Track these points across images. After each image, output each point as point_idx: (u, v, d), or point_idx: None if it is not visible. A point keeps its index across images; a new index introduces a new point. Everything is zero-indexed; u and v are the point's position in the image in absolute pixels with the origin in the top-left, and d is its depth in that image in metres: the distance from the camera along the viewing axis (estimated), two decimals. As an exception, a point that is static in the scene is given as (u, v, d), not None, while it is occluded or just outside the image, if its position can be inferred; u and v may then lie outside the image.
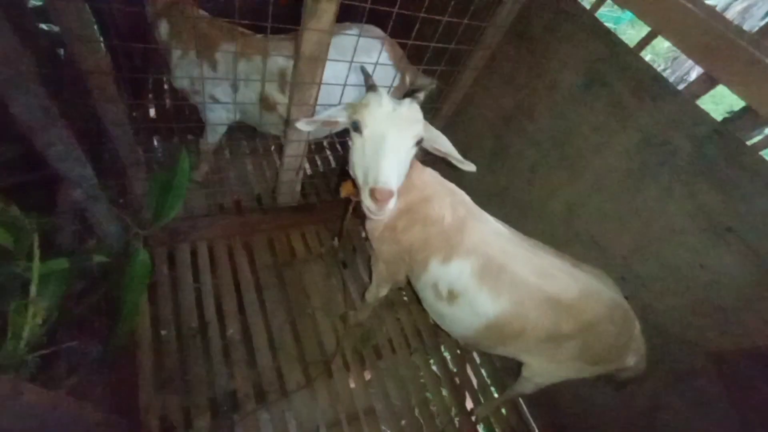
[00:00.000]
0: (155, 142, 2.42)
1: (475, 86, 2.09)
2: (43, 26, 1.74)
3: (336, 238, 2.37)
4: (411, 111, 1.19)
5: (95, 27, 1.92)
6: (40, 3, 1.82)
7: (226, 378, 1.73)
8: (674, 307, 1.45)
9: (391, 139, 1.13)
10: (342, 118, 1.25)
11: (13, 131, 1.12)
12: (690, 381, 1.44)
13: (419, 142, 1.22)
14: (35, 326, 0.88)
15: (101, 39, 2.03)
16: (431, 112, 2.20)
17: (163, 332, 1.73)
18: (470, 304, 1.35)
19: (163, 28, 1.74)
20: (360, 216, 1.49)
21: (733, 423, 1.33)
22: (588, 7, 1.66)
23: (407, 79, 2.00)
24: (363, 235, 2.43)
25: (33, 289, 0.88)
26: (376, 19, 1.85)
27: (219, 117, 1.94)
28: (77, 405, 0.85)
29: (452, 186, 1.45)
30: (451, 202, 1.38)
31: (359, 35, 1.56)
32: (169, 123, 2.36)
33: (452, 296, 1.38)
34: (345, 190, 1.45)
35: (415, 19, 1.49)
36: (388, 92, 1.83)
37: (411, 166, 1.33)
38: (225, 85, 1.79)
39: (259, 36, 1.82)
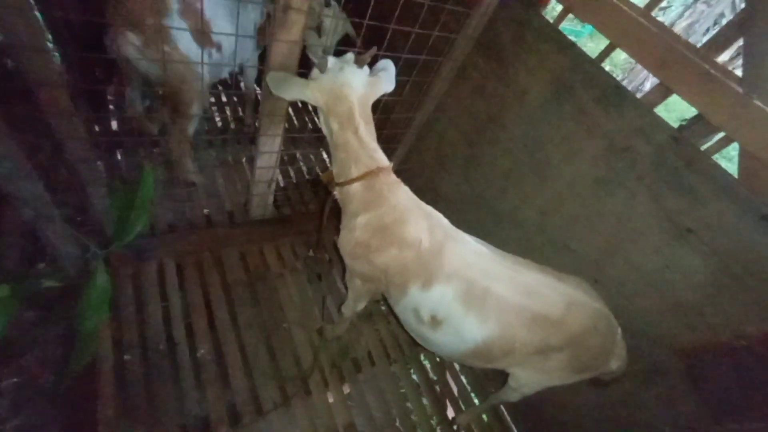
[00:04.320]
0: (118, 156, 2.30)
1: (447, 96, 2.12)
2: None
3: (311, 250, 2.33)
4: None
5: (46, 36, 1.82)
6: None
7: (197, 402, 1.64)
8: (644, 308, 1.50)
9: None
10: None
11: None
12: (662, 379, 1.49)
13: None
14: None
15: (54, 49, 1.93)
16: (405, 122, 2.22)
17: (126, 357, 1.62)
18: (456, 330, 1.32)
19: None
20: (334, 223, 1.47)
21: (704, 417, 1.38)
22: (551, 20, 1.72)
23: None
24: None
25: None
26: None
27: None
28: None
29: (429, 208, 1.41)
30: (428, 225, 1.34)
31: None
32: (132, 136, 2.25)
33: (435, 322, 1.34)
34: (326, 177, 1.44)
35: (386, 30, 1.50)
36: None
37: (379, 176, 1.30)
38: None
39: None
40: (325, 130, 1.34)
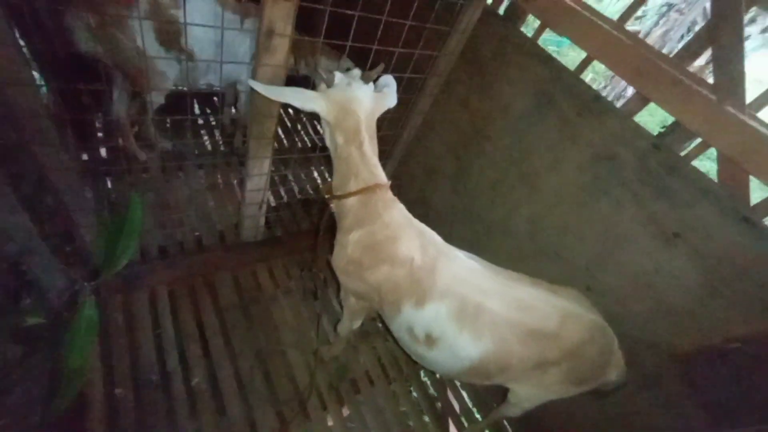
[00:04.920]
0: (108, 184, 2.28)
1: (433, 111, 2.16)
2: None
3: (306, 268, 2.31)
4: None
5: (31, 66, 1.83)
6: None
7: (191, 433, 1.59)
8: (638, 313, 1.50)
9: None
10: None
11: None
12: (659, 384, 1.48)
13: None
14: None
15: (40, 78, 1.94)
16: (393, 139, 2.24)
17: (117, 391, 1.58)
18: (451, 348, 1.31)
19: None
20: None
21: (702, 422, 1.37)
22: (530, 34, 1.78)
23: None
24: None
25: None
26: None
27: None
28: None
29: (422, 226, 1.41)
30: (420, 243, 1.33)
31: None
32: (121, 163, 2.25)
33: (430, 340, 1.33)
34: (325, 189, 1.44)
35: (369, 50, 1.54)
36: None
37: (377, 192, 1.30)
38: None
39: None
40: (328, 143, 1.35)
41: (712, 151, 1.40)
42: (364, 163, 1.29)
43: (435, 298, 1.29)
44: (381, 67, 1.34)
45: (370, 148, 1.30)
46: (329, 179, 1.43)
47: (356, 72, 1.34)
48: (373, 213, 1.31)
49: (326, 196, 1.42)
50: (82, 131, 2.33)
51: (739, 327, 1.24)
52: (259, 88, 1.24)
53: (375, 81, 1.40)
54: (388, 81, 1.43)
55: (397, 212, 1.36)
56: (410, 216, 1.40)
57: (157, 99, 2.03)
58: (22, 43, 1.70)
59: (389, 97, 1.38)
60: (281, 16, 1.28)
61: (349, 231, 1.37)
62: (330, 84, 1.27)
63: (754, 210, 1.22)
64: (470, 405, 2.14)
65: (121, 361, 1.67)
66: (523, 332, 1.27)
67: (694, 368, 1.37)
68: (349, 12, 1.36)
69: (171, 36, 1.81)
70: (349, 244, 1.36)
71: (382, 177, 1.34)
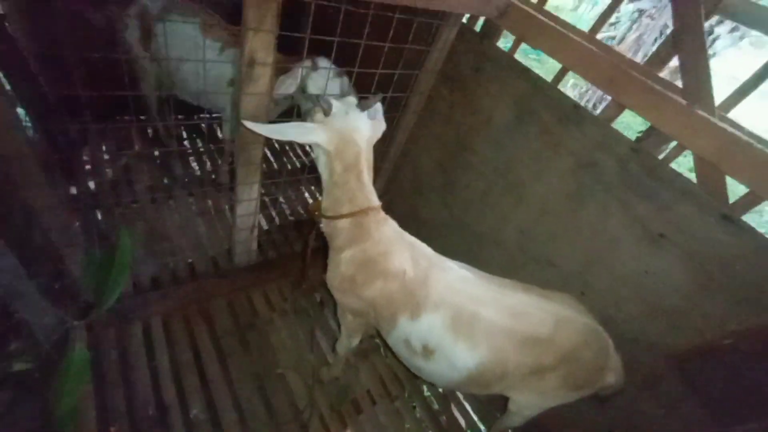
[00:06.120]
0: (98, 216, 2.27)
1: (418, 127, 2.20)
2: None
3: (296, 287, 2.30)
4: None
5: (17, 107, 1.84)
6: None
7: (191, 468, 1.55)
8: (631, 315, 1.51)
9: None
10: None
11: None
12: (659, 385, 1.48)
13: None
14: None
15: (25, 117, 1.95)
16: (380, 156, 2.27)
17: (112, 429, 1.54)
18: (448, 358, 1.31)
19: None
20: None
21: (706, 421, 1.37)
22: (506, 49, 1.83)
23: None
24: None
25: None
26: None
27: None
28: None
29: (412, 239, 1.43)
30: (411, 255, 1.35)
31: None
32: (109, 196, 2.24)
33: (427, 351, 1.33)
34: (314, 207, 1.45)
35: (351, 73, 1.57)
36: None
37: (369, 214, 1.32)
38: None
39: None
40: (322, 168, 1.34)
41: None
42: (360, 189, 1.31)
43: (429, 309, 1.30)
44: (379, 95, 1.33)
45: (367, 175, 1.32)
46: (319, 198, 1.43)
47: (352, 99, 1.34)
48: (365, 233, 1.33)
49: (315, 215, 1.43)
50: (69, 165, 2.33)
51: (730, 323, 1.25)
52: (259, 129, 1.23)
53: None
54: (377, 107, 1.44)
55: (388, 228, 1.38)
56: (401, 231, 1.42)
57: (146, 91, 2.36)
58: (6, 83, 1.73)
59: (382, 123, 1.40)
60: (262, 46, 1.31)
61: (341, 250, 1.38)
62: (327, 113, 1.27)
63: (733, 208, 1.25)
64: (475, 418, 2.12)
65: (116, 397, 1.63)
66: (518, 339, 1.27)
67: (691, 367, 1.37)
68: (328, 38, 1.40)
69: (147, 40, 2.11)
70: (342, 263, 1.38)
71: (375, 201, 1.36)
